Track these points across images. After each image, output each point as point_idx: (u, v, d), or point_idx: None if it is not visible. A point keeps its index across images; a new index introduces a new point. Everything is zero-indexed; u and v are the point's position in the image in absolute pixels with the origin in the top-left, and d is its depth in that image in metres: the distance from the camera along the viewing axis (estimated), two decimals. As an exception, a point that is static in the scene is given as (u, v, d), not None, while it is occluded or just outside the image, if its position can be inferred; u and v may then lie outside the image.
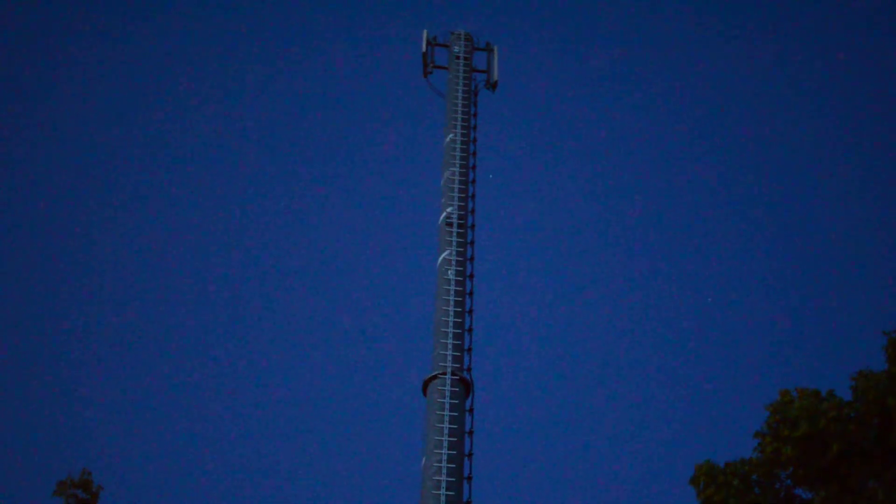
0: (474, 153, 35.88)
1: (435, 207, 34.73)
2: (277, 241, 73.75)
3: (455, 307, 32.11)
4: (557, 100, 77.36)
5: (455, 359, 31.18)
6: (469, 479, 29.58)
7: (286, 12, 79.67)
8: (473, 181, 35.23)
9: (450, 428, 29.85)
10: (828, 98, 79.31)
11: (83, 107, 74.75)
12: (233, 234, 72.73)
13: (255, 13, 78.80)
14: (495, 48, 38.90)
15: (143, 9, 76.84)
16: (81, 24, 76.16)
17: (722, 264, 74.20)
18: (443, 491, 28.77)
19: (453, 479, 29.05)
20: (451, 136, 35.91)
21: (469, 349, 31.77)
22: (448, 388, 30.56)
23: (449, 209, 34.10)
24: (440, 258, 33.25)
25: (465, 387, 30.84)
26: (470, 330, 32.11)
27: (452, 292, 32.38)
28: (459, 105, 36.73)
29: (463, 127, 36.15)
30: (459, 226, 33.79)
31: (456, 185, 34.63)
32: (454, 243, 33.39)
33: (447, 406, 30.24)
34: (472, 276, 33.15)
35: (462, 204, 34.29)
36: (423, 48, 38.34)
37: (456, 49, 38.36)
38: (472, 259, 33.49)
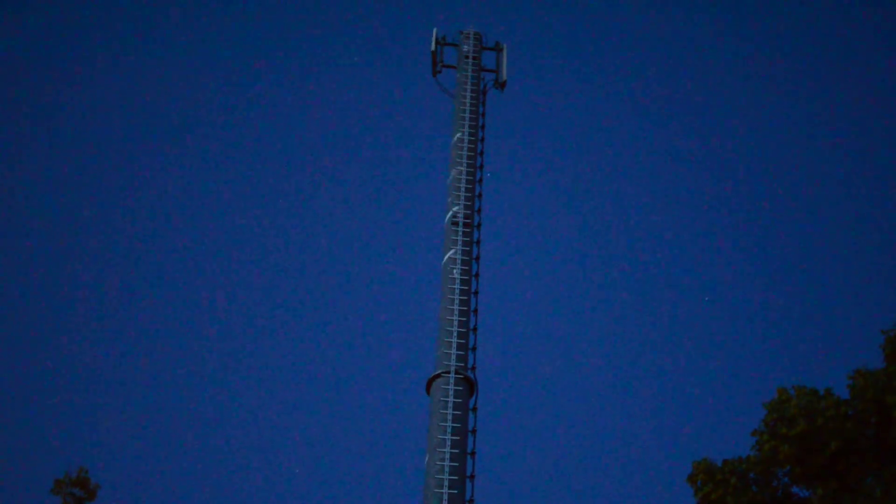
0: (482, 152, 36.03)
1: (441, 206, 34.93)
2: (283, 239, 74.10)
3: (460, 306, 32.28)
4: (565, 100, 77.35)
5: (459, 357, 31.34)
6: (472, 477, 29.74)
7: (294, 10, 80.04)
8: (480, 180, 35.42)
9: (453, 427, 30.00)
10: (828, 97, 78.91)
11: (84, 106, 75.27)
12: (237, 233, 73.10)
13: (261, 11, 79.15)
14: (504, 47, 39.00)
15: (142, 8, 77.35)
16: (80, 24, 76.74)
17: (720, 263, 74.10)
18: (445, 489, 28.92)
19: (456, 478, 29.19)
20: (458, 135, 36.05)
21: (473, 348, 31.95)
22: (452, 386, 30.71)
23: (455, 208, 34.24)
24: (446, 257, 33.40)
25: (468, 386, 30.99)
26: (474, 329, 32.30)
27: (457, 291, 32.54)
28: (468, 104, 36.87)
29: (471, 126, 36.29)
30: (465, 225, 33.92)
31: (462, 185, 34.77)
32: (460, 242, 33.53)
33: (450, 405, 30.39)
34: (477, 275, 33.33)
35: (468, 203, 34.42)
36: (433, 47, 38.50)
37: (465, 48, 38.49)
38: (477, 258, 33.66)
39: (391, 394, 66.80)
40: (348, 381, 68.96)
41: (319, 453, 65.57)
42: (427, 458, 29.81)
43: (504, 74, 38.31)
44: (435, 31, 38.93)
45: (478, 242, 33.99)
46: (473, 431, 30.58)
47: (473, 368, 31.63)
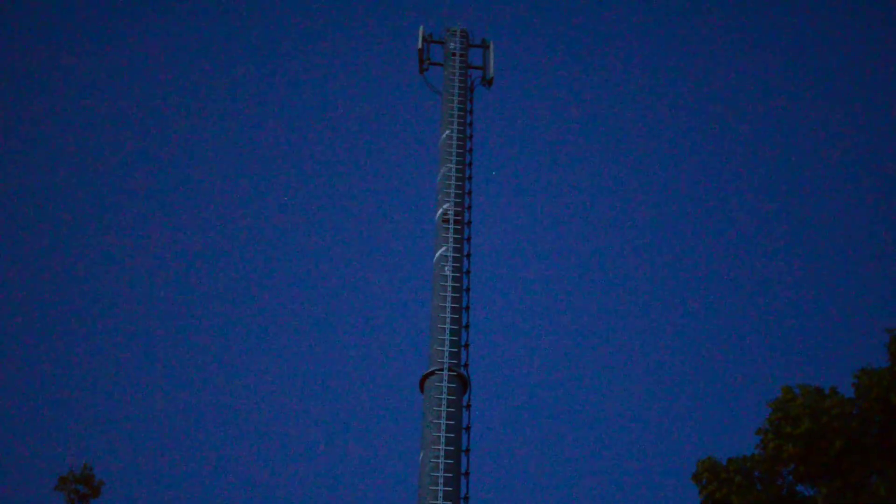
0: (470, 150, 35.80)
1: (431, 204, 34.64)
2: (273, 238, 73.61)
3: (452, 303, 31.95)
4: (553, 96, 77.40)
5: (452, 355, 31.01)
6: (466, 474, 29.43)
7: (280, 8, 79.56)
8: (470, 178, 35.15)
9: (447, 424, 29.66)
10: (828, 95, 79.59)
11: (78, 107, 74.44)
12: (229, 233, 72.62)
13: (247, 9, 78.60)
14: (491, 44, 38.81)
15: (134, 7, 76.61)
16: (77, 24, 75.86)
17: (724, 261, 74.29)
18: (440, 487, 28.57)
19: (450, 475, 28.86)
20: (447, 132, 35.80)
21: (466, 345, 31.63)
22: (445, 384, 30.37)
23: (445, 206, 33.96)
24: (437, 255, 33.10)
25: (462, 383, 30.67)
26: (467, 326, 31.99)
27: (449, 289, 32.21)
28: (455, 102, 36.63)
29: (459, 123, 36.05)
30: (456, 222, 33.64)
31: (452, 182, 34.50)
32: (451, 240, 33.24)
33: (444, 402, 30.05)
34: (468, 272, 33.04)
35: (458, 200, 34.15)
36: (419, 45, 38.21)
37: (451, 46, 38.25)
38: (468, 255, 33.37)
39: (384, 392, 66.50)
40: (341, 379, 68.60)
41: (313, 450, 65.11)
42: (421, 456, 29.46)
43: (491, 71, 38.11)
44: (421, 28, 38.68)
45: (469, 239, 33.75)
46: (467, 428, 30.26)
47: (466, 366, 31.32)
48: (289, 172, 75.31)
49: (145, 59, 75.88)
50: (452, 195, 34.20)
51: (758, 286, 72.78)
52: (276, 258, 72.67)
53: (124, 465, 57.93)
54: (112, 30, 75.39)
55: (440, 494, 28.47)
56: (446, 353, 31.01)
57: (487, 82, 38.00)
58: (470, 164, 35.46)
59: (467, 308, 32.35)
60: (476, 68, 38.17)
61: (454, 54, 37.92)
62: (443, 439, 29.35)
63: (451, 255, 32.93)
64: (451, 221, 33.59)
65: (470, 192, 34.78)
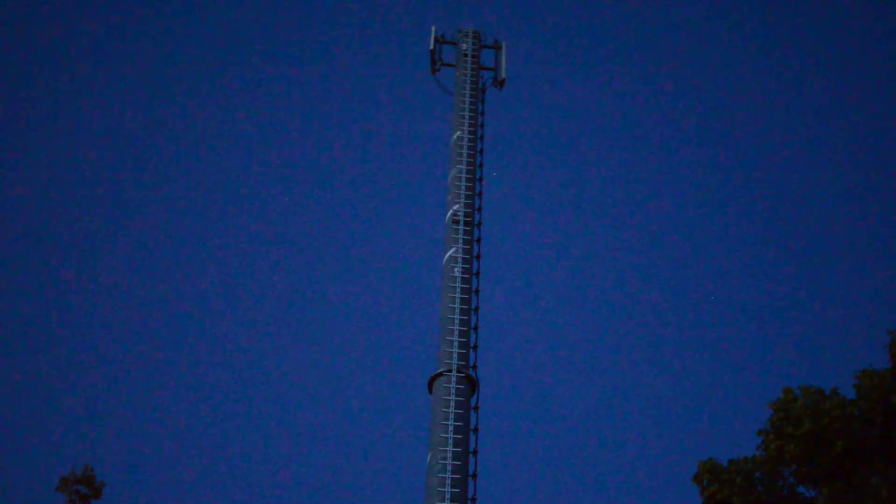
0: (481, 151, 35.97)
1: (441, 204, 34.84)
2: (283, 237, 73.96)
3: (461, 304, 32.17)
4: (565, 98, 77.34)
5: (461, 356, 31.24)
6: (474, 476, 29.65)
7: (292, 7, 79.88)
8: (480, 179, 35.34)
9: (455, 425, 29.90)
10: (828, 95, 79.17)
11: (78, 107, 75.03)
12: (236, 231, 72.95)
13: (260, 9, 78.93)
14: (503, 45, 38.94)
15: (139, 6, 77.10)
16: (77, 24, 76.44)
17: (725, 262, 74.15)
18: (448, 488, 28.80)
19: (458, 477, 29.08)
20: (458, 133, 35.97)
21: (475, 347, 31.85)
22: (453, 385, 30.61)
23: (455, 206, 34.15)
24: (446, 255, 33.31)
25: (470, 384, 30.90)
26: (476, 328, 32.20)
27: (458, 290, 32.43)
28: (467, 102, 36.80)
29: (470, 124, 36.22)
30: (466, 223, 33.83)
31: (462, 183, 34.69)
32: (460, 240, 33.43)
33: (452, 403, 30.29)
34: (478, 273, 33.24)
35: (469, 201, 34.34)
36: (431, 45, 38.39)
37: (464, 46, 38.41)
38: (478, 256, 33.56)
39: (393, 393, 66.80)
40: (350, 379, 68.95)
41: (321, 452, 65.55)
42: (429, 457, 29.71)
43: (503, 72, 38.26)
44: (433, 29, 38.88)
45: (478, 240, 33.93)
46: (475, 430, 30.50)
47: (475, 367, 31.55)
48: (300, 172, 75.68)
49: (146, 59, 76.36)
50: (463, 196, 34.40)
51: (759, 287, 72.70)
52: (284, 258, 73.09)
53: (126, 467, 58.47)
54: (112, 29, 75.92)
55: (448, 496, 28.71)
56: (455, 355, 31.24)
57: (499, 83, 38.13)
58: (481, 165, 35.66)
59: (476, 309, 32.57)
60: (488, 69, 38.33)
61: (466, 55, 38.08)
62: (451, 440, 29.59)
63: (461, 256, 33.15)
64: (462, 222, 33.79)
65: (480, 193, 35.00)
